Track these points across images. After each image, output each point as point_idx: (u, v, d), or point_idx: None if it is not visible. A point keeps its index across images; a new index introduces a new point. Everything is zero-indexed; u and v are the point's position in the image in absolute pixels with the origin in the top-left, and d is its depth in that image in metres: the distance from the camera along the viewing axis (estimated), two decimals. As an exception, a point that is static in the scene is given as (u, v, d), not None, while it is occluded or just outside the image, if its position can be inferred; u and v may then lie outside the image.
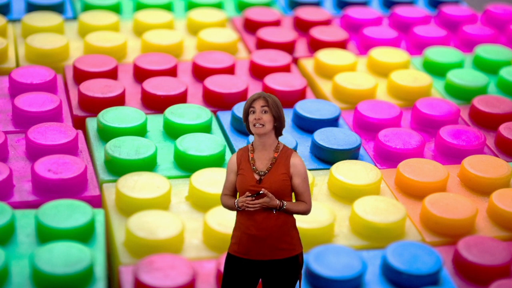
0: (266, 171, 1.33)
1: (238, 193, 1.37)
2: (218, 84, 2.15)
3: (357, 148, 1.93)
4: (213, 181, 1.75)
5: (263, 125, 1.32)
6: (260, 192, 1.32)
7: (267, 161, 1.34)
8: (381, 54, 2.39)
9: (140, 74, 2.22)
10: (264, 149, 1.34)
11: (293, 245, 1.36)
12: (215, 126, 2.03)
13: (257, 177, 1.33)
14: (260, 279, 1.40)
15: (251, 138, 1.91)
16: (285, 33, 2.49)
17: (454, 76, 2.29)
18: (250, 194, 1.32)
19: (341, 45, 2.49)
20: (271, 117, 1.32)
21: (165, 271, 1.50)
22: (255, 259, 1.36)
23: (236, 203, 1.34)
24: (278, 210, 1.33)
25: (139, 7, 2.64)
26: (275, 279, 1.37)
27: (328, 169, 1.89)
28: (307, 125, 2.04)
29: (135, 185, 1.73)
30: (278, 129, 1.34)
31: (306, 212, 1.35)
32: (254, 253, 1.36)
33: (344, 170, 1.82)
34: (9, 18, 2.51)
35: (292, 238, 1.36)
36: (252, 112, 1.33)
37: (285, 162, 1.34)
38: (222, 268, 1.50)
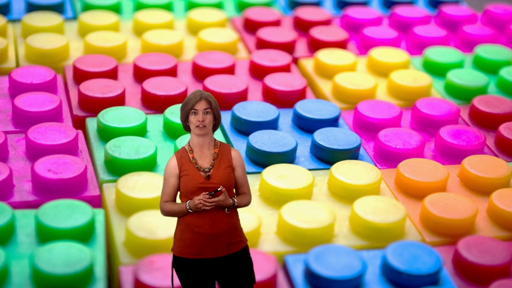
0: (211, 167, 1.35)
1: (178, 197, 1.37)
2: (218, 84, 2.15)
3: (357, 148, 1.93)
4: (213, 181, 1.75)
5: (205, 126, 1.34)
6: (219, 189, 1.33)
7: (209, 158, 1.36)
8: (381, 54, 2.39)
9: (140, 74, 2.22)
10: (203, 147, 1.36)
11: (243, 237, 1.39)
12: (215, 126, 2.03)
13: (203, 174, 1.35)
14: (216, 281, 1.40)
15: (252, 138, 1.91)
16: (285, 33, 2.49)
17: (454, 76, 2.29)
18: (207, 193, 1.33)
19: (341, 45, 2.49)
20: (212, 118, 1.34)
21: (165, 271, 1.50)
22: (210, 257, 1.36)
23: (187, 205, 1.34)
24: (231, 207, 1.36)
25: (139, 7, 2.64)
26: (232, 274, 1.38)
27: (328, 169, 1.89)
28: (307, 125, 2.04)
29: (135, 185, 1.73)
30: (215, 126, 1.37)
31: (249, 203, 1.39)
32: (209, 251, 1.36)
33: (344, 170, 1.82)
34: (9, 18, 2.51)
35: (240, 230, 1.39)
36: (193, 114, 1.34)
37: (227, 155, 1.37)
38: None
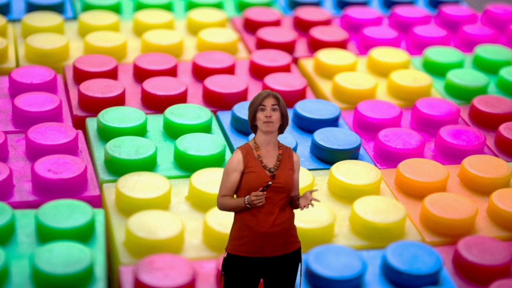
0: (276, 168, 1.35)
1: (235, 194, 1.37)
2: (218, 84, 2.15)
3: (357, 148, 1.93)
4: (213, 181, 1.75)
5: (273, 122, 1.34)
6: (269, 183, 1.34)
7: (274, 158, 1.36)
8: (381, 54, 2.39)
9: (140, 74, 2.22)
10: (269, 146, 1.36)
11: (297, 238, 1.40)
12: (215, 126, 2.03)
13: (269, 173, 1.35)
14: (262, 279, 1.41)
15: (253, 137, 1.91)
16: (285, 33, 2.49)
17: (454, 76, 2.29)
18: (261, 189, 1.33)
19: (341, 45, 2.49)
20: (279, 115, 1.34)
21: (165, 271, 1.50)
22: (268, 256, 1.37)
23: (246, 201, 1.34)
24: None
25: (139, 7, 2.64)
26: (282, 274, 1.38)
27: (328, 169, 1.89)
28: (307, 125, 2.04)
29: (135, 185, 1.73)
30: (282, 127, 1.37)
31: None
32: (267, 250, 1.36)
33: (344, 170, 1.82)
34: (9, 18, 2.51)
35: (295, 231, 1.40)
36: (261, 110, 1.34)
37: (289, 158, 1.37)
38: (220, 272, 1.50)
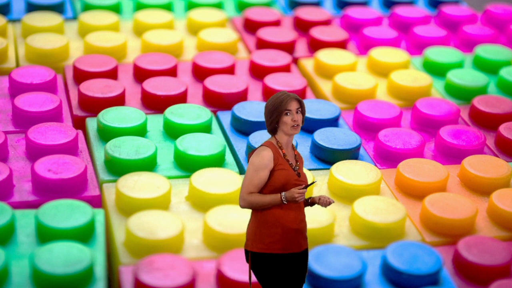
0: (297, 167, 1.38)
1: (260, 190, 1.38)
2: (218, 84, 2.15)
3: (357, 148, 1.93)
4: (213, 181, 1.75)
5: (299, 125, 1.36)
6: (315, 181, 1.38)
7: (293, 157, 1.39)
8: (381, 54, 2.39)
9: (140, 74, 2.22)
10: (288, 146, 1.39)
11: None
12: (215, 126, 2.03)
13: (296, 171, 1.37)
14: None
15: (252, 138, 1.91)
16: (285, 33, 2.49)
17: (454, 76, 2.29)
18: (304, 186, 1.35)
19: (341, 45, 2.49)
20: (302, 118, 1.37)
21: (165, 271, 1.50)
22: (296, 251, 1.38)
23: (283, 196, 1.34)
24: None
25: (139, 7, 2.64)
26: (304, 268, 1.40)
27: (328, 169, 1.89)
28: (307, 125, 2.04)
29: (135, 185, 1.73)
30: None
31: None
32: (296, 246, 1.38)
33: (344, 170, 1.82)
34: (9, 18, 2.51)
35: None
36: (287, 114, 1.35)
37: (300, 157, 1.40)
38: (225, 269, 1.50)
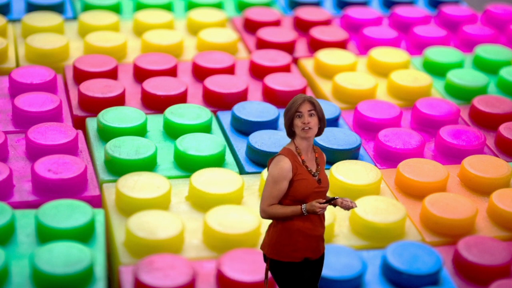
0: (318, 172, 1.35)
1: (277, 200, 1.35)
2: (218, 84, 2.15)
3: (357, 148, 1.93)
4: (213, 181, 1.75)
5: (311, 128, 1.33)
6: (336, 198, 1.33)
7: (313, 161, 1.36)
8: (381, 54, 2.39)
9: (140, 74, 2.22)
10: (308, 150, 1.35)
11: None
12: (215, 126, 2.03)
13: (315, 178, 1.34)
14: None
15: (252, 138, 1.91)
16: (285, 33, 2.49)
17: (454, 76, 2.29)
18: (324, 201, 1.32)
19: (341, 45, 2.49)
20: (317, 120, 1.33)
21: (165, 271, 1.50)
22: (315, 258, 1.37)
23: (304, 208, 1.32)
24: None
25: (139, 7, 2.64)
26: (318, 273, 1.39)
27: (328, 169, 1.89)
28: (307, 125, 2.04)
29: (135, 185, 1.73)
30: (320, 130, 1.35)
31: None
32: (315, 252, 1.37)
33: (344, 170, 1.82)
34: (9, 18, 2.51)
35: None
36: (298, 117, 1.32)
37: (322, 159, 1.37)
38: (225, 269, 1.50)
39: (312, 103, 1.32)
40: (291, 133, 1.34)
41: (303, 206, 1.33)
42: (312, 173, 1.34)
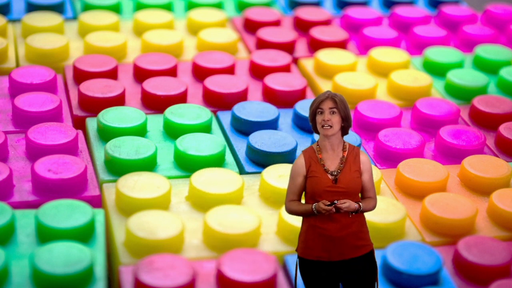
0: (339, 171, 1.34)
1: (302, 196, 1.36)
2: (218, 84, 2.15)
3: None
4: (213, 181, 1.75)
5: (331, 126, 1.31)
6: (335, 202, 1.32)
7: (337, 161, 1.34)
8: (381, 54, 2.39)
9: (140, 74, 2.22)
10: (332, 149, 1.34)
11: (368, 241, 1.39)
12: (215, 126, 2.03)
13: (331, 177, 1.33)
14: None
15: (252, 138, 1.91)
16: (285, 33, 2.49)
17: (454, 76, 2.29)
18: (328, 203, 1.32)
19: (341, 45, 2.49)
20: (339, 118, 1.32)
21: (165, 271, 1.50)
22: (336, 260, 1.36)
23: (314, 208, 1.32)
24: (357, 212, 1.35)
25: (139, 7, 2.64)
26: (357, 277, 1.37)
27: (328, 169, 1.89)
28: (307, 125, 2.04)
29: (135, 185, 1.73)
30: (345, 129, 1.34)
31: (375, 207, 1.38)
32: (334, 254, 1.35)
33: (344, 170, 1.82)
34: (9, 18, 2.51)
35: (366, 234, 1.38)
36: (319, 113, 1.32)
37: (355, 160, 1.35)
38: (225, 269, 1.50)
39: (334, 101, 1.31)
40: (315, 128, 1.34)
41: (314, 205, 1.33)
42: (329, 171, 1.33)
